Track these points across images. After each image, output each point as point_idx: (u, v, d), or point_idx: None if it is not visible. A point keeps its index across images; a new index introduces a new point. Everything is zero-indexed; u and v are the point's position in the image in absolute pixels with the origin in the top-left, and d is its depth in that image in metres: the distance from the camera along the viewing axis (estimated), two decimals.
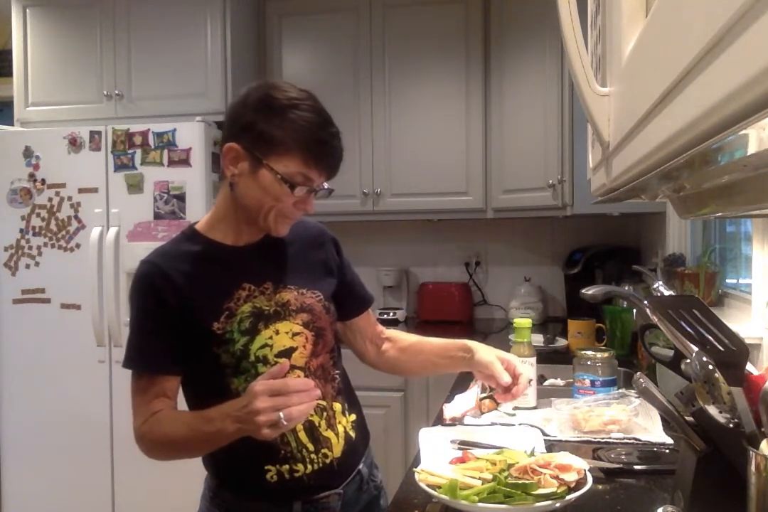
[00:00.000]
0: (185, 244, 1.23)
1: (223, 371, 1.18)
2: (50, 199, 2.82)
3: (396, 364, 1.46)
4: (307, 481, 1.21)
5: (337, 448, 1.24)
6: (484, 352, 1.32)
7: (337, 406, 1.28)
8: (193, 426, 1.11)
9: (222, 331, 1.17)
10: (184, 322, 1.17)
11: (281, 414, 0.99)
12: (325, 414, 1.24)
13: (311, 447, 1.21)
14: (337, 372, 1.31)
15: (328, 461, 1.23)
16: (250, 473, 1.21)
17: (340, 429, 1.26)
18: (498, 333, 3.00)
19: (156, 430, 1.15)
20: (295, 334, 1.23)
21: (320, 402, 1.23)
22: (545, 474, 1.04)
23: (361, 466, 1.32)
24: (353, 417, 1.32)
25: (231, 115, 1.18)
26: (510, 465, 1.09)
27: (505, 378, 1.26)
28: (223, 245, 1.24)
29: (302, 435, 1.21)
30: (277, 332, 1.21)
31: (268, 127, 1.12)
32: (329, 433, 1.24)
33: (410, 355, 1.44)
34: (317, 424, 1.23)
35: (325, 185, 1.21)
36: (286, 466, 1.20)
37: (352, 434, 1.29)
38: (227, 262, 1.23)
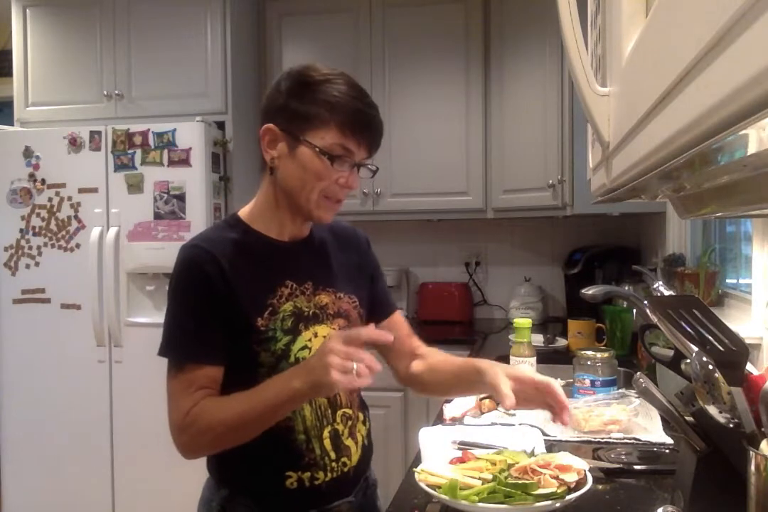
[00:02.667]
0: (229, 232, 1.18)
1: (258, 369, 1.13)
2: (50, 199, 2.82)
3: (420, 383, 1.36)
4: (324, 489, 1.18)
5: (355, 457, 1.23)
6: (493, 373, 1.14)
7: (360, 416, 1.27)
8: (250, 397, 1.06)
9: (265, 328, 1.13)
10: (229, 313, 1.12)
11: (354, 364, 0.96)
12: (349, 422, 1.22)
13: (333, 455, 1.19)
14: None
15: (346, 469, 1.20)
16: (270, 480, 1.17)
17: (359, 437, 1.25)
18: (498, 333, 2.99)
19: (203, 416, 1.08)
20: None
21: (347, 410, 1.22)
22: (545, 474, 1.04)
23: (368, 473, 1.31)
24: (368, 425, 1.30)
25: (266, 102, 1.16)
26: (510, 465, 1.09)
27: (507, 402, 1.07)
28: (267, 237, 1.19)
29: (327, 443, 1.18)
30: (315, 335, 1.18)
31: (302, 103, 1.10)
32: (350, 442, 1.22)
33: (432, 374, 1.33)
34: (341, 432, 1.20)
35: (370, 164, 1.18)
36: (308, 474, 1.16)
37: (367, 442, 1.28)
38: (271, 256, 1.19)
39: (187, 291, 1.14)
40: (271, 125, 1.13)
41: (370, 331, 1.03)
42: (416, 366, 1.36)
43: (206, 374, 1.11)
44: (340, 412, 1.20)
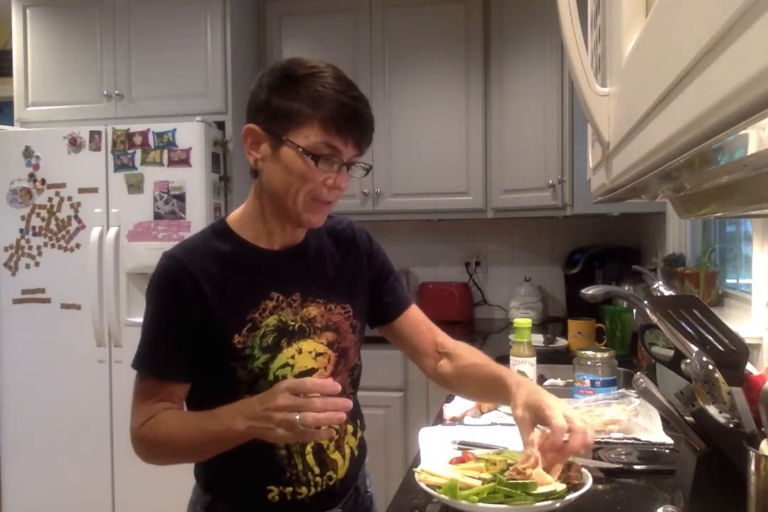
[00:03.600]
0: (215, 242, 1.13)
1: (237, 386, 1.10)
2: (50, 199, 2.82)
3: (449, 384, 1.29)
4: (308, 503, 1.15)
5: (342, 470, 1.19)
6: (520, 400, 1.06)
7: (350, 428, 1.21)
8: (198, 424, 1.04)
9: (242, 346, 1.08)
10: (203, 329, 1.08)
11: (297, 417, 0.92)
12: (335, 436, 1.16)
13: (317, 470, 1.15)
14: (352, 391, 1.23)
15: (332, 483, 1.17)
16: (251, 491, 1.15)
17: (347, 450, 1.20)
18: (498, 333, 3.00)
19: (156, 431, 1.07)
20: (318, 355, 1.15)
21: (333, 425, 1.13)
22: (533, 472, 1.03)
23: (358, 482, 1.27)
24: (360, 434, 1.26)
25: (249, 100, 1.11)
26: (510, 466, 1.09)
27: (525, 439, 1.03)
28: (255, 247, 1.14)
29: (310, 458, 1.15)
30: (300, 351, 1.13)
31: (284, 100, 1.04)
32: (336, 455, 1.18)
33: (460, 382, 1.26)
34: (325, 447, 1.16)
35: (361, 162, 1.11)
36: (290, 488, 1.14)
37: (356, 453, 1.23)
38: (257, 267, 1.13)
39: (158, 305, 1.11)
40: (252, 125, 1.08)
41: (315, 381, 0.98)
42: (444, 367, 1.27)
43: (168, 390, 1.10)
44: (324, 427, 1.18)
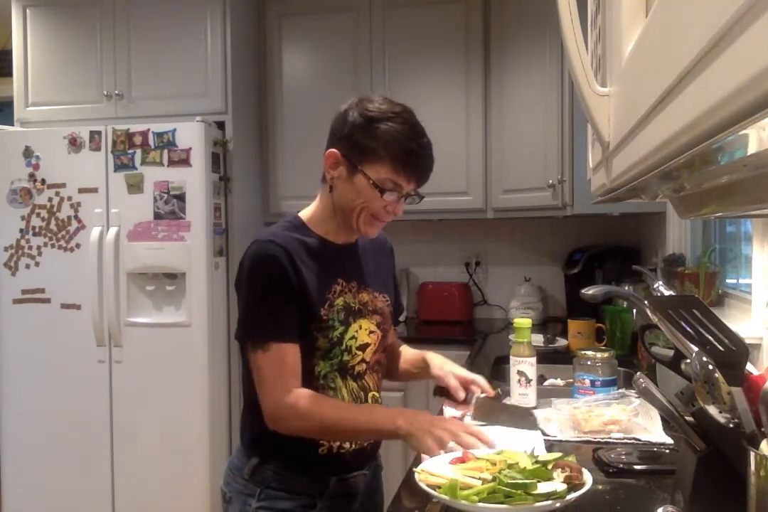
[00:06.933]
0: (296, 233, 1.34)
1: (313, 353, 1.30)
2: (50, 199, 2.82)
3: (388, 369, 1.56)
4: (347, 458, 1.34)
5: None
6: (437, 367, 1.46)
7: (380, 399, 1.45)
8: (352, 409, 1.29)
9: (326, 317, 1.30)
10: (298, 301, 1.27)
11: (452, 443, 1.17)
12: (375, 403, 1.41)
13: None
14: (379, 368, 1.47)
15: (365, 444, 1.37)
16: (305, 447, 1.31)
17: None
18: (498, 333, 2.99)
19: (313, 409, 1.24)
20: (371, 332, 1.38)
21: (374, 393, 1.41)
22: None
23: (378, 453, 1.49)
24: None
25: (334, 126, 1.33)
26: (510, 465, 1.09)
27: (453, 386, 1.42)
28: (326, 241, 1.37)
29: None
30: (360, 327, 1.36)
31: (363, 137, 1.27)
32: None
33: (397, 361, 1.57)
34: None
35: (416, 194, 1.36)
36: (337, 442, 1.33)
37: None
38: (329, 257, 1.36)
39: (266, 280, 1.28)
40: (334, 150, 1.30)
41: (486, 440, 1.21)
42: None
43: (290, 351, 1.26)
44: (370, 394, 1.40)
